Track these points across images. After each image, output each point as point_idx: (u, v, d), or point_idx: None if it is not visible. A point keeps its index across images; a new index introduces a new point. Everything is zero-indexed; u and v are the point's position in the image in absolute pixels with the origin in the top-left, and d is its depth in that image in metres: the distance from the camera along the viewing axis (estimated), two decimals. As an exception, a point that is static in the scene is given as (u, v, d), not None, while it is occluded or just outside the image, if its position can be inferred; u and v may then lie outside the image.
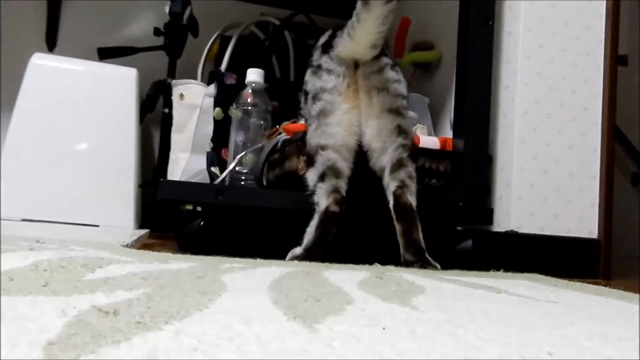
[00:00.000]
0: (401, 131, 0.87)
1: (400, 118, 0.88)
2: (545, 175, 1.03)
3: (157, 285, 0.45)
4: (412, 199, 0.84)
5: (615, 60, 1.07)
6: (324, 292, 0.49)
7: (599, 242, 1.03)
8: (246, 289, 0.48)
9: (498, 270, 0.94)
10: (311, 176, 0.87)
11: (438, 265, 0.83)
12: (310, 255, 0.82)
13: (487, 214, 1.03)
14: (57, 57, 1.42)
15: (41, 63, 1.37)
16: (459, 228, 1.02)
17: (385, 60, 0.89)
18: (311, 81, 0.91)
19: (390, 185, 0.85)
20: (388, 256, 0.85)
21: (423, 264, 0.83)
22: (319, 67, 0.90)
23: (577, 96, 1.05)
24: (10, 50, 1.74)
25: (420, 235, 0.84)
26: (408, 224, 0.83)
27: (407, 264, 0.83)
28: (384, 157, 0.87)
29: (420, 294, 0.53)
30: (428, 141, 1.04)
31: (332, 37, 0.91)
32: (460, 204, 1.00)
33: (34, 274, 0.44)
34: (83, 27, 1.81)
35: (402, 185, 0.84)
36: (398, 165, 0.86)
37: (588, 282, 0.88)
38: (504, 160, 1.05)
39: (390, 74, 0.89)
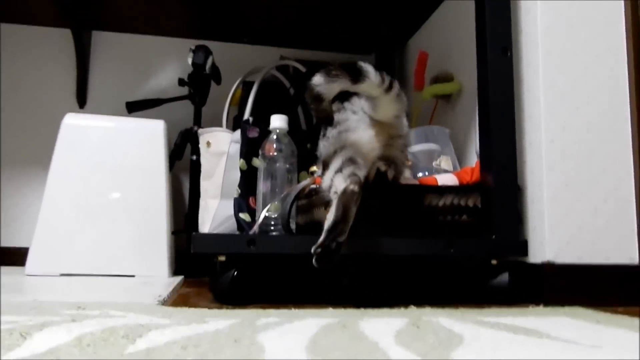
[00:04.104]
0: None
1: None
2: (578, 203, 1.01)
3: (197, 355, 0.46)
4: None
5: (640, 81, 1.06)
6: (362, 351, 0.49)
7: (641, 268, 1.00)
8: (286, 353, 0.48)
9: (537, 304, 0.92)
10: (326, 178, 0.89)
11: None
12: (332, 237, 0.78)
13: (522, 246, 1.01)
14: (87, 115, 1.47)
15: (73, 122, 1.42)
16: (494, 262, 1.00)
17: None
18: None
19: None
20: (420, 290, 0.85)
21: None
22: (342, 108, 0.94)
23: (606, 120, 1.04)
24: (43, 110, 1.81)
25: None
26: None
27: None
28: None
29: (459, 346, 0.52)
30: (445, 179, 1.06)
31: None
32: (493, 236, 0.99)
33: (78, 350, 0.46)
34: (111, 83, 1.88)
35: None
36: None
37: (631, 312, 0.86)
38: (534, 190, 1.04)
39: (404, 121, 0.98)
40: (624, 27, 1.08)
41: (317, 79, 0.85)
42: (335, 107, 0.96)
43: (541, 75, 1.04)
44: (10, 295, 0.84)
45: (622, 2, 1.08)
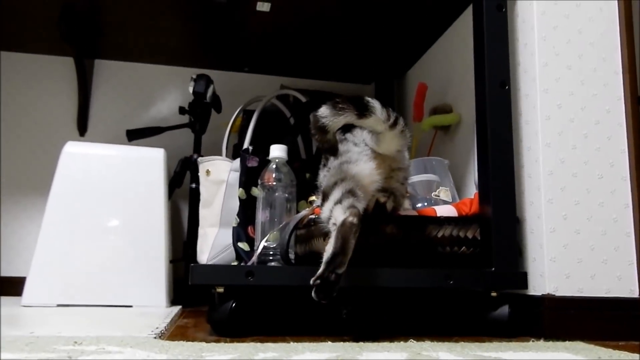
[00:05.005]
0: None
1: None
2: (577, 235, 1.01)
3: (194, 395, 0.45)
4: None
5: (637, 119, 1.07)
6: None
7: (641, 301, 1.00)
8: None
9: (538, 337, 0.92)
10: (325, 209, 0.89)
11: None
12: (331, 269, 0.79)
13: (521, 278, 1.01)
14: (88, 144, 1.47)
15: (73, 151, 1.42)
16: (494, 294, 0.99)
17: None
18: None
19: None
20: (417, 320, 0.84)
21: None
22: (344, 139, 0.95)
23: (602, 153, 1.05)
24: (43, 137, 1.81)
25: None
26: None
27: None
28: None
29: (459, 385, 0.52)
30: (443, 210, 1.06)
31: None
32: (493, 268, 0.99)
33: (73, 390, 0.45)
34: (112, 111, 1.89)
35: None
36: None
37: (632, 347, 0.85)
38: (533, 222, 1.04)
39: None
40: (620, 65, 1.09)
41: (323, 111, 0.85)
42: (337, 137, 0.96)
43: (539, 110, 1.05)
44: (6, 328, 0.84)
45: (619, 42, 1.10)
